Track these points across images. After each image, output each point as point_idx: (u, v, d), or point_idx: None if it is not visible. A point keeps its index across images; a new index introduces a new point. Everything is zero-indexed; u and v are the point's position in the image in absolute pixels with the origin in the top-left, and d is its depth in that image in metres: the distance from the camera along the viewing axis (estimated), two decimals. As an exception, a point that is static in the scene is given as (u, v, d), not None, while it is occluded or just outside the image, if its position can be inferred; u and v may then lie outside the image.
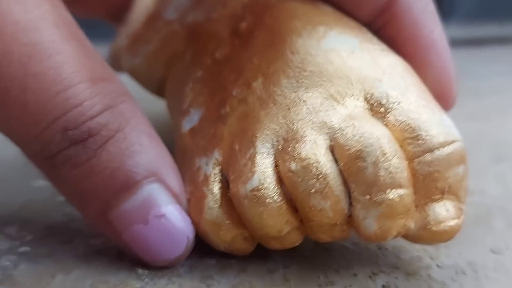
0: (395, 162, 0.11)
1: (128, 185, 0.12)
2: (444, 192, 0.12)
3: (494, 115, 0.28)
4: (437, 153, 0.11)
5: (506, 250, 0.14)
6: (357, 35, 0.14)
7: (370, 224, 0.11)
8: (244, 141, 0.13)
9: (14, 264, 0.13)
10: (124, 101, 0.12)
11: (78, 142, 0.11)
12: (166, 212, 0.12)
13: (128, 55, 0.17)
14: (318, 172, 0.11)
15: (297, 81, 0.13)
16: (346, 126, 0.11)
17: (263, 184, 0.12)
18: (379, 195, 0.11)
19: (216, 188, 0.13)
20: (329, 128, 0.12)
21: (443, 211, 0.12)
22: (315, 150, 0.11)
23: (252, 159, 0.12)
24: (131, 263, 0.13)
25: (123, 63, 0.18)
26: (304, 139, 0.12)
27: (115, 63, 0.19)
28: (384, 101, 0.12)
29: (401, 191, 0.11)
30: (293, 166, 0.11)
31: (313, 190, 0.11)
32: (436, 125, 0.12)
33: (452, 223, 0.12)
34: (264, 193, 0.12)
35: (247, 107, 0.13)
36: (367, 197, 0.11)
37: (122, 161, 0.12)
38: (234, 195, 0.12)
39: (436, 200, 0.12)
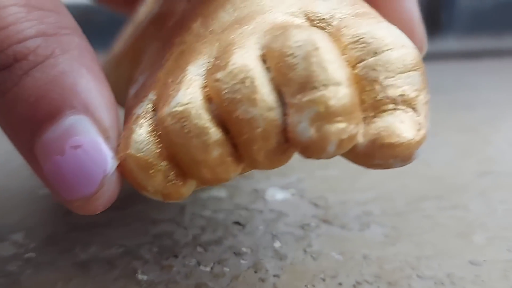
0: (329, 57, 0.10)
1: (52, 114, 0.10)
2: (396, 102, 0.10)
3: (482, 128, 0.29)
4: (383, 55, 0.10)
5: (484, 263, 0.15)
6: None
7: (305, 128, 0.10)
8: (177, 72, 0.12)
9: (20, 270, 0.14)
10: (69, 34, 0.11)
11: (4, 68, 0.10)
12: (83, 143, 0.10)
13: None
14: (245, 76, 0.10)
15: (234, 9, 0.12)
16: (280, 33, 0.10)
17: (187, 101, 0.10)
18: (313, 93, 0.09)
19: (145, 122, 0.11)
20: (262, 39, 0.11)
21: (397, 122, 0.10)
22: (243, 57, 0.10)
23: (180, 82, 0.11)
24: (130, 270, 0.14)
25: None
26: (233, 50, 0.11)
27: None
28: (326, 17, 0.11)
29: (337, 88, 0.10)
30: (219, 74, 0.10)
31: (240, 95, 0.10)
32: (383, 29, 0.11)
33: (408, 134, 0.10)
34: (188, 107, 0.10)
35: (184, 46, 0.12)
36: (299, 97, 0.10)
37: (48, 89, 0.10)
38: (159, 119, 0.11)
39: (387, 111, 0.10)
